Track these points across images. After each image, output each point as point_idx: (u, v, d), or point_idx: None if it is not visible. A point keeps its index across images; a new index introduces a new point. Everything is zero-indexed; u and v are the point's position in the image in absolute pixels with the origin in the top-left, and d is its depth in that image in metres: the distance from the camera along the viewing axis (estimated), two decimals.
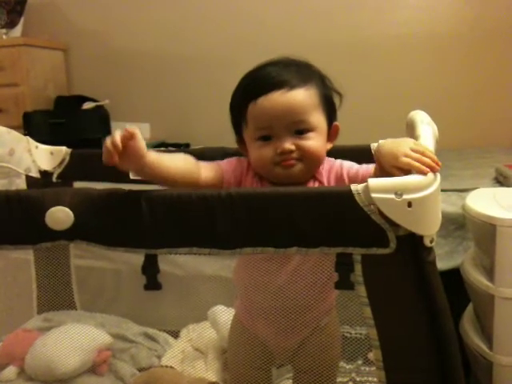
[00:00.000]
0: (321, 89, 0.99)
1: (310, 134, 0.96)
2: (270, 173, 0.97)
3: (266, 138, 0.96)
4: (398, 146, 0.79)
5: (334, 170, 1.00)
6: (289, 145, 0.95)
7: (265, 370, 1.05)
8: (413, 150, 0.77)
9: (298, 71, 0.98)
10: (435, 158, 0.76)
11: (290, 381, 1.13)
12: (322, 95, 0.99)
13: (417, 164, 0.74)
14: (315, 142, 0.96)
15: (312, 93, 0.97)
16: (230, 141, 1.09)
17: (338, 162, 1.02)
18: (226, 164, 1.02)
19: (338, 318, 1.06)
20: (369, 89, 2.61)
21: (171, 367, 1.33)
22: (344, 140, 1.06)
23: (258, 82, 0.98)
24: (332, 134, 1.02)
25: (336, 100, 1.03)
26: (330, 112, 1.01)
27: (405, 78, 2.71)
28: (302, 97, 0.96)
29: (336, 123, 1.03)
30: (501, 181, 1.72)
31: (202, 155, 1.06)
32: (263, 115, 0.95)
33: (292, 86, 0.95)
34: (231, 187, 0.99)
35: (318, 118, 0.98)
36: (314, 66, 1.02)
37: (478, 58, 2.65)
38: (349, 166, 1.00)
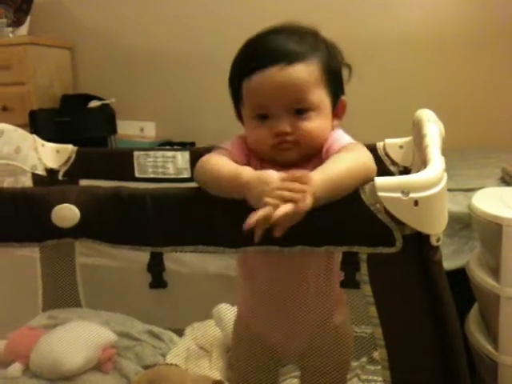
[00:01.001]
0: (325, 61, 0.91)
1: (311, 114, 0.89)
2: (267, 155, 0.91)
3: (261, 118, 0.90)
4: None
5: (331, 151, 0.89)
6: (284, 126, 0.88)
7: (270, 370, 1.01)
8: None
9: (301, 42, 0.90)
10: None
11: (296, 379, 1.12)
12: (326, 68, 0.91)
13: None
14: (315, 123, 0.89)
15: (314, 67, 0.89)
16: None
17: (335, 139, 0.91)
18: (235, 148, 0.94)
19: (349, 318, 1.01)
20: (372, 88, 2.59)
21: (176, 365, 1.33)
22: None
23: (254, 55, 0.90)
24: (339, 110, 0.95)
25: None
26: (336, 86, 0.94)
27: (408, 77, 2.70)
28: (301, 73, 0.88)
29: (343, 98, 0.96)
30: (507, 180, 1.71)
31: (207, 154, 1.06)
32: (258, 93, 0.89)
33: (290, 61, 0.87)
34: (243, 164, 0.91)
35: (320, 96, 0.90)
36: (321, 34, 0.94)
37: (483, 57, 2.64)
38: (336, 146, 0.89)
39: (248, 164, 0.92)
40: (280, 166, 0.89)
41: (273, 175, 0.74)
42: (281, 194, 0.70)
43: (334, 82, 0.93)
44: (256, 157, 0.94)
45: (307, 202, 0.69)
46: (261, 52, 0.90)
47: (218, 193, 0.79)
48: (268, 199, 0.70)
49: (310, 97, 0.89)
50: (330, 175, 0.75)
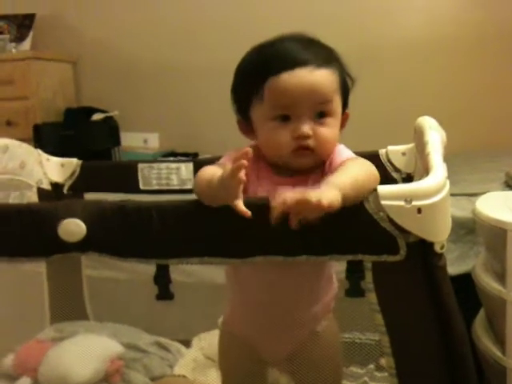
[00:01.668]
0: (341, 73, 0.94)
1: (329, 120, 0.91)
2: (282, 159, 0.91)
3: (283, 119, 0.90)
4: None
5: (334, 164, 0.91)
6: (307, 129, 0.89)
7: (258, 374, 1.02)
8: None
9: (320, 52, 0.92)
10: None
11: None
12: (342, 80, 0.93)
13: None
14: (332, 130, 0.91)
15: (336, 76, 0.92)
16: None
17: (338, 154, 0.93)
18: (228, 159, 0.91)
19: (336, 325, 1.02)
20: (376, 94, 2.61)
21: (183, 376, 1.33)
22: (350, 146, 1.03)
23: (280, 56, 0.90)
24: (342, 122, 0.97)
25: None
26: (345, 99, 0.96)
27: (410, 82, 2.70)
28: (328, 77, 0.90)
29: (347, 111, 0.98)
30: (511, 185, 1.71)
31: (210, 165, 1.07)
32: (286, 92, 0.88)
33: (319, 65, 0.89)
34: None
35: (338, 104, 0.93)
36: (334, 49, 0.96)
37: (484, 61, 2.65)
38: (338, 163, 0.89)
39: (247, 171, 0.91)
40: (282, 169, 0.91)
41: None
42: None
43: (345, 94, 0.95)
44: (254, 162, 0.93)
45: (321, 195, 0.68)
46: (287, 54, 0.90)
47: (211, 203, 0.79)
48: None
49: (332, 102, 0.91)
50: (345, 178, 0.76)
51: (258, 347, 0.99)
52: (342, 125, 0.97)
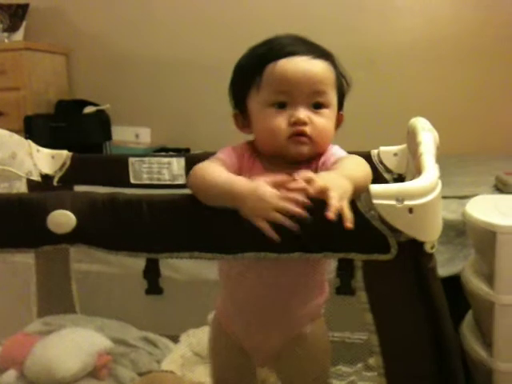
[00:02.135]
0: (336, 72, 0.95)
1: (325, 111, 0.91)
2: (278, 147, 0.91)
3: (280, 106, 0.90)
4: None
5: (327, 163, 0.92)
6: (304, 115, 0.89)
7: (245, 372, 1.02)
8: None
9: (317, 47, 0.94)
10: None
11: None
12: (337, 78, 0.95)
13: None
14: (327, 122, 0.92)
15: (332, 71, 0.93)
16: (229, 145, 1.08)
17: (332, 153, 0.94)
18: (224, 155, 0.94)
19: (325, 328, 1.02)
20: (370, 95, 2.61)
21: (171, 372, 1.33)
22: (344, 146, 1.04)
23: (279, 47, 0.92)
24: (336, 123, 0.97)
25: None
26: (341, 100, 0.97)
27: (404, 84, 2.72)
28: (324, 68, 0.92)
29: (341, 113, 0.98)
30: (500, 188, 1.72)
31: (202, 160, 1.06)
32: (284, 77, 0.89)
33: (316, 56, 0.91)
34: None
35: (334, 98, 0.93)
36: (331, 52, 0.98)
37: (479, 65, 2.66)
38: (333, 161, 0.91)
39: (242, 169, 0.93)
40: (277, 162, 0.91)
41: (267, 190, 0.74)
42: (276, 217, 0.72)
43: (340, 94, 0.96)
44: (251, 156, 0.94)
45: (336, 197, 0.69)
46: (286, 44, 0.92)
47: (210, 202, 0.78)
48: (261, 224, 0.72)
49: (329, 93, 0.92)
50: (346, 171, 0.78)
51: (245, 345, 1.00)
52: (337, 126, 0.98)
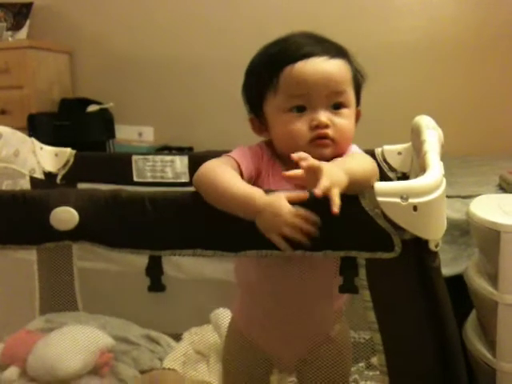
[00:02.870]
0: (352, 67, 0.94)
1: (345, 111, 0.90)
2: (298, 150, 0.86)
3: (299, 110, 0.89)
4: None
5: None
6: (325, 118, 0.88)
7: (261, 378, 1.00)
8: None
9: (332, 45, 0.93)
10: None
11: None
12: (354, 75, 0.94)
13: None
14: (349, 120, 0.91)
15: (349, 69, 0.92)
16: (232, 144, 1.07)
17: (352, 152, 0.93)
18: (239, 154, 0.91)
19: (347, 327, 1.01)
20: (373, 94, 2.60)
21: (173, 370, 1.33)
22: None
23: (295, 48, 0.90)
24: (355, 118, 0.96)
25: None
26: (358, 94, 0.96)
27: (409, 84, 2.71)
28: (341, 67, 0.90)
29: (359, 108, 0.97)
30: (504, 187, 1.72)
31: (205, 159, 1.05)
32: (302, 80, 0.88)
33: (332, 56, 0.89)
34: (252, 178, 0.91)
35: (352, 96, 0.92)
36: (344, 46, 0.96)
37: (482, 65, 2.66)
38: None
39: (260, 170, 0.92)
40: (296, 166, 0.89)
41: (283, 205, 0.74)
42: (289, 232, 0.73)
43: (357, 89, 0.95)
44: (271, 159, 0.93)
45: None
46: (304, 43, 0.90)
47: (220, 207, 0.77)
48: (275, 238, 0.74)
49: (348, 92, 0.91)
50: (346, 165, 0.79)
51: (267, 351, 0.97)
52: (355, 121, 0.96)
